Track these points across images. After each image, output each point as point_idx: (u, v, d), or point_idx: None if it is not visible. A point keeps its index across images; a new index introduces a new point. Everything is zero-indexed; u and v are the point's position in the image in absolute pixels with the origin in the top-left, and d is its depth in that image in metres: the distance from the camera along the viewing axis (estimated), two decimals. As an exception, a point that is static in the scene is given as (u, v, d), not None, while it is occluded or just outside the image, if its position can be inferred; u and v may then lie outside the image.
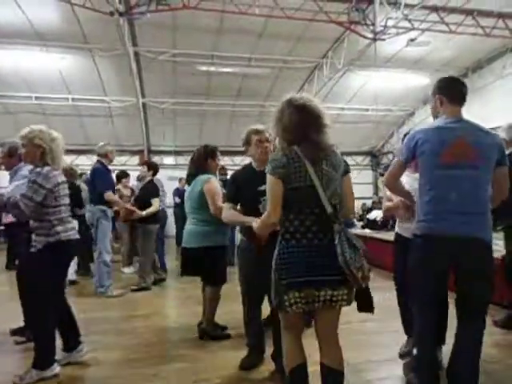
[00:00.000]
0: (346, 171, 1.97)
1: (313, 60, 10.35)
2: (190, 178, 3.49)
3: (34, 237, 2.76)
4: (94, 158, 5.32)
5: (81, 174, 7.37)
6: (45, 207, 2.68)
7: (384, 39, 8.12)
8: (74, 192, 5.23)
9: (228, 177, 6.80)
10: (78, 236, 2.93)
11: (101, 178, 4.95)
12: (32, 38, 8.59)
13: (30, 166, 3.05)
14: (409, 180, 2.59)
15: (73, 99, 10.57)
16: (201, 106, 11.30)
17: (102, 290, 4.96)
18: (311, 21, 8.08)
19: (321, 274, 1.80)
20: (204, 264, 3.30)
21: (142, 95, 10.73)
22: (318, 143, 1.87)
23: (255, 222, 2.07)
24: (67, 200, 2.86)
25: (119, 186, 6.81)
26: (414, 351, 2.27)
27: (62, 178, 2.82)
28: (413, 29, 8.28)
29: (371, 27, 7.95)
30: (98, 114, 11.29)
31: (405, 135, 2.58)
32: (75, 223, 3.41)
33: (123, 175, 7.11)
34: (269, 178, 1.86)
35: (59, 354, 2.91)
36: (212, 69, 9.97)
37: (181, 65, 9.82)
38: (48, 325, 2.74)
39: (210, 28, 8.60)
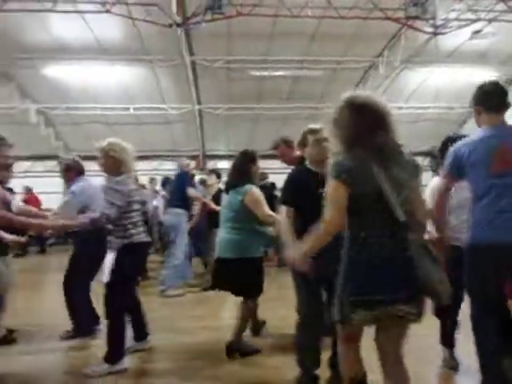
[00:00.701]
0: (417, 173, 1.80)
1: (367, 59, 10.08)
2: (230, 187, 3.29)
3: (110, 239, 3.04)
4: (154, 164, 5.72)
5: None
6: (121, 212, 2.92)
7: (445, 33, 7.71)
8: None
9: (266, 182, 7.00)
10: (148, 239, 3.22)
11: (182, 182, 5.47)
12: (98, 52, 9.25)
13: (81, 183, 3.63)
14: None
15: (134, 108, 11.19)
16: (253, 110, 11.45)
17: (164, 287, 5.21)
18: (366, 19, 7.89)
19: (394, 291, 1.61)
20: (238, 276, 3.07)
21: (198, 102, 11.11)
22: (385, 144, 1.71)
23: (295, 255, 1.88)
24: (138, 205, 3.13)
25: (165, 192, 7.18)
26: (478, 364, 2.14)
27: (134, 186, 3.10)
28: (478, 20, 7.78)
29: (431, 21, 7.59)
30: (157, 121, 11.86)
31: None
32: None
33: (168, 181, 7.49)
34: (333, 183, 1.68)
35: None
36: (265, 73, 10.08)
37: (234, 71, 10.04)
38: (122, 322, 2.95)
39: (263, 33, 8.71)
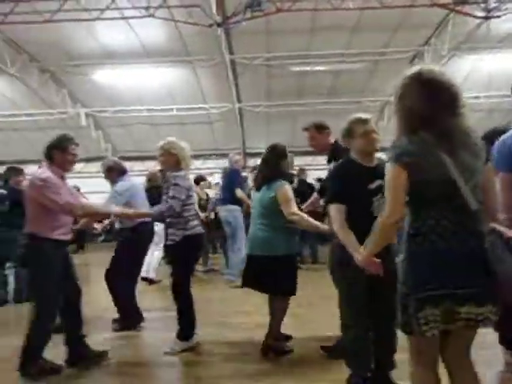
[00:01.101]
0: (487, 159, 1.60)
1: (412, 49, 9.69)
2: (261, 183, 3.23)
3: (170, 231, 3.23)
4: (197, 163, 5.90)
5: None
6: (182, 205, 3.15)
7: (499, 16, 7.23)
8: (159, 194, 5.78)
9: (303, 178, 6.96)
10: (203, 230, 3.47)
11: (233, 180, 5.72)
12: (142, 56, 9.58)
13: (123, 182, 3.85)
14: None
15: (177, 109, 11.47)
16: (294, 106, 11.37)
17: (233, 278, 5.40)
18: (411, 7, 7.57)
19: (464, 286, 1.43)
20: (269, 274, 3.04)
21: (238, 100, 11.20)
22: (454, 128, 1.51)
23: (361, 256, 1.84)
24: (194, 200, 3.39)
25: (197, 189, 7.28)
26: None
27: (192, 181, 3.34)
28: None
29: (482, 5, 7.15)
30: (199, 120, 12.10)
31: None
32: None
33: (201, 179, 7.68)
34: (391, 167, 1.50)
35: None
36: (305, 69, 9.98)
37: (274, 68, 10.01)
38: (190, 301, 3.26)
39: (303, 28, 8.61)
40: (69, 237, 3.03)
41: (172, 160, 3.27)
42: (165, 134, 12.37)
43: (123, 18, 7.77)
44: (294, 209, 3.05)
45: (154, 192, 5.79)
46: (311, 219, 3.09)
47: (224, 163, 13.43)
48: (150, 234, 4.11)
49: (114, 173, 3.96)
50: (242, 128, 12.56)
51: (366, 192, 2.20)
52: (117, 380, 2.94)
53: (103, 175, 4.07)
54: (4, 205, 4.67)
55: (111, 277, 3.83)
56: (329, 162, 3.22)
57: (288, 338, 3.33)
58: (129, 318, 3.83)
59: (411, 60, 10.05)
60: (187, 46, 9.25)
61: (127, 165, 14.39)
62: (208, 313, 4.22)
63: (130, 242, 3.84)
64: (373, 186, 2.07)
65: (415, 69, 1.58)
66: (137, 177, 10.89)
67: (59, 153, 2.93)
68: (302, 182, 7.10)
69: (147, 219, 3.81)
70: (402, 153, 1.49)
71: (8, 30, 8.42)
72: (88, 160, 13.49)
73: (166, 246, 3.45)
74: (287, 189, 3.09)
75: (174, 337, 3.24)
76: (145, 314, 3.98)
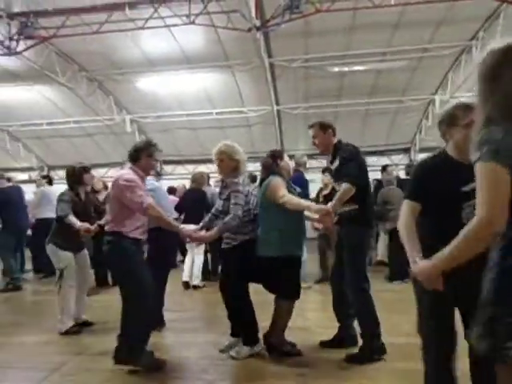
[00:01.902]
0: None
1: (458, 44, 9.26)
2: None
3: (227, 235, 3.26)
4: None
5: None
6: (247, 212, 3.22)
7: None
8: (200, 197, 5.86)
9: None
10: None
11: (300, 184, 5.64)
12: (182, 62, 9.83)
13: (148, 186, 3.61)
14: None
15: (216, 113, 11.66)
16: (333, 107, 11.22)
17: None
18: (456, 0, 7.26)
19: None
20: (268, 275, 3.08)
21: (277, 103, 11.21)
22: None
23: (419, 264, 1.57)
24: (250, 205, 3.34)
25: None
26: None
27: (249, 187, 3.35)
28: None
29: (537, -6, 6.71)
30: (237, 124, 12.24)
31: None
32: None
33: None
34: (486, 165, 1.22)
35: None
36: (344, 69, 9.82)
37: (313, 69, 9.93)
38: (251, 309, 3.25)
39: (342, 28, 8.49)
40: (145, 236, 3.17)
41: (232, 165, 3.25)
42: (204, 137, 12.72)
43: (165, 26, 8.01)
44: (282, 192, 3.04)
45: (198, 194, 5.85)
46: (301, 199, 3.11)
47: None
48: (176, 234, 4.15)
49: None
50: (280, 130, 12.55)
51: (457, 195, 1.82)
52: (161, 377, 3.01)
53: None
54: None
55: None
56: (331, 162, 3.24)
57: (293, 345, 3.28)
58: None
59: (458, 56, 9.63)
60: (226, 51, 9.40)
61: (168, 168, 14.99)
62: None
63: (156, 243, 3.75)
64: (466, 188, 1.74)
65: (509, 42, 1.28)
66: (177, 180, 11.28)
67: (146, 157, 3.09)
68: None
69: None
70: (498, 147, 1.21)
71: (59, 43, 8.94)
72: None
73: (221, 250, 3.41)
74: (275, 180, 3.13)
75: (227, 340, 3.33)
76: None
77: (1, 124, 12.79)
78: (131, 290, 2.95)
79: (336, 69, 9.84)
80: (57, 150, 14.04)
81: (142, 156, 3.09)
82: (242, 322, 3.28)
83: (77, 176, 4.10)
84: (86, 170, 4.13)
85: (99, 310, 4.58)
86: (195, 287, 5.79)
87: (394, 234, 5.66)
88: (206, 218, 3.49)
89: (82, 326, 4.03)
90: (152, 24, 7.85)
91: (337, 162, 3.12)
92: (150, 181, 3.98)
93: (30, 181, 13.36)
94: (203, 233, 3.31)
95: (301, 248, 3.27)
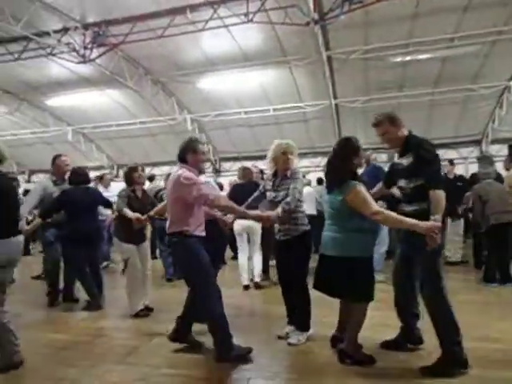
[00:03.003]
0: None
1: (539, 24, 8.43)
2: (331, 185, 3.05)
3: (285, 227, 3.39)
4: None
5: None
6: (299, 201, 3.39)
7: None
8: (249, 189, 5.86)
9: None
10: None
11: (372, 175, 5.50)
12: (241, 60, 10.01)
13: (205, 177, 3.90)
14: None
15: (273, 109, 11.72)
16: (395, 99, 10.76)
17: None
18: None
19: None
20: (342, 276, 2.90)
21: (334, 97, 11.00)
22: None
23: None
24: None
25: None
26: None
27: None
28: None
29: None
30: (295, 119, 12.19)
31: None
32: None
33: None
34: None
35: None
36: (407, 58, 9.37)
37: (373, 60, 9.60)
38: (308, 294, 3.43)
39: (405, 15, 8.11)
40: (204, 233, 3.25)
41: (293, 161, 3.44)
42: (261, 134, 12.86)
43: (224, 26, 8.20)
44: (375, 207, 2.80)
45: (249, 187, 5.78)
46: (398, 216, 2.79)
47: (320, 161, 13.39)
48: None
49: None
50: (339, 125, 12.30)
51: None
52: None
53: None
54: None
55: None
56: (401, 156, 2.99)
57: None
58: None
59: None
60: (283, 47, 9.41)
61: (227, 165, 15.39)
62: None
63: (206, 239, 3.70)
64: None
65: None
66: (235, 176, 11.51)
67: (191, 154, 3.19)
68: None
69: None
70: None
71: (127, 49, 9.54)
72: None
73: (280, 242, 3.46)
74: (360, 190, 2.85)
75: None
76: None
77: (77, 127, 13.93)
78: (200, 285, 3.10)
79: (398, 58, 9.43)
80: (124, 150, 14.99)
81: (188, 154, 3.18)
82: (303, 309, 3.41)
83: (127, 175, 4.48)
84: (133, 169, 4.47)
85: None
86: (257, 286, 5.51)
87: (493, 232, 5.26)
88: (242, 207, 3.41)
89: (148, 310, 4.35)
90: (212, 25, 8.08)
91: (410, 159, 2.87)
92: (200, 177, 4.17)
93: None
94: (270, 212, 3.28)
95: (371, 248, 3.06)
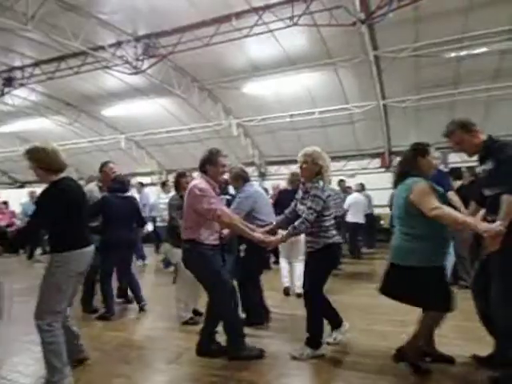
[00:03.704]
0: None
1: None
2: (396, 181, 3.02)
3: (310, 239, 3.34)
4: (338, 165, 5.70)
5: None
6: (321, 215, 3.26)
7: None
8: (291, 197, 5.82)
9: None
10: (341, 240, 3.44)
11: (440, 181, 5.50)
12: (286, 64, 10.01)
13: (249, 188, 4.09)
14: None
15: (319, 112, 11.59)
16: (448, 97, 10.23)
17: None
18: None
19: None
20: (409, 286, 2.80)
21: (382, 97, 10.68)
22: None
23: None
24: (331, 210, 3.39)
25: None
26: None
27: (330, 192, 3.36)
28: None
29: None
30: (340, 122, 11.97)
31: None
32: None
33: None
34: None
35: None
36: (461, 53, 8.88)
37: (424, 57, 9.20)
38: (321, 309, 3.35)
39: (457, 8, 7.71)
40: (218, 242, 3.38)
41: (313, 169, 3.32)
42: (306, 137, 12.78)
43: (269, 31, 8.25)
44: (434, 203, 2.66)
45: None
46: (458, 214, 2.69)
47: (367, 164, 13.05)
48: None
49: (240, 180, 4.27)
50: (387, 126, 11.91)
51: None
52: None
53: (230, 182, 4.42)
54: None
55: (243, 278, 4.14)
56: (481, 163, 2.79)
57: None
58: (258, 314, 4.08)
59: None
60: (329, 49, 9.29)
61: (272, 168, 15.38)
62: (356, 318, 4.13)
63: (250, 243, 3.78)
64: None
65: None
66: (281, 180, 11.54)
67: (211, 166, 3.31)
68: None
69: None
70: None
71: (175, 58, 9.88)
72: (238, 166, 14.76)
73: (306, 253, 3.51)
74: (421, 185, 2.78)
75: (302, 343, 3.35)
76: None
77: (129, 134, 14.64)
78: (213, 288, 3.26)
79: (452, 54, 8.95)
80: (173, 156, 15.51)
81: (207, 166, 3.30)
82: (313, 322, 3.30)
83: (176, 181, 4.61)
84: (181, 175, 4.59)
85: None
86: (299, 295, 5.44)
87: None
88: (279, 218, 3.57)
89: (196, 316, 4.41)
90: (256, 30, 8.17)
91: (489, 165, 2.70)
92: (253, 187, 4.19)
93: (152, 184, 15.05)
94: (273, 238, 3.37)
95: (445, 256, 2.92)
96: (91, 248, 2.99)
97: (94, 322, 4.50)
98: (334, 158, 13.38)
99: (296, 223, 3.19)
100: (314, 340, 3.28)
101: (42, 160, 2.78)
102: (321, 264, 3.31)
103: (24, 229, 2.84)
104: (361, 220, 9.17)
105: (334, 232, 3.35)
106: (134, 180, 11.36)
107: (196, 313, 4.47)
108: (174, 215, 4.40)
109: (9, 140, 16.28)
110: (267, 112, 12.08)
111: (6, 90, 11.18)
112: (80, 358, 3.23)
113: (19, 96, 12.74)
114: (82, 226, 2.99)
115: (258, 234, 3.33)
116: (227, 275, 3.33)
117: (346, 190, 9.93)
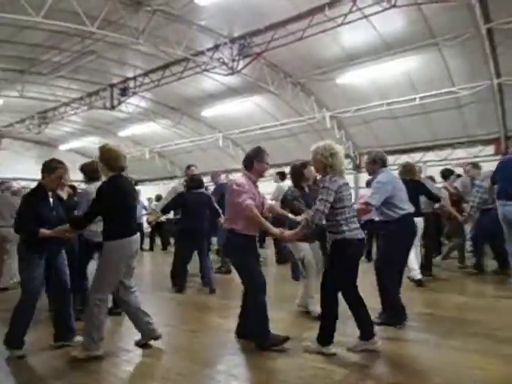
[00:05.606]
0: None
1: None
2: None
3: (330, 230, 3.25)
4: (442, 153, 5.23)
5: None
6: (332, 208, 3.13)
7: None
8: (414, 188, 5.43)
9: None
10: (362, 236, 3.24)
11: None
12: (382, 50, 9.51)
13: (387, 173, 3.97)
14: None
15: (420, 98, 10.77)
16: None
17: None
18: None
19: None
20: None
21: (497, 75, 9.49)
22: None
23: None
24: (350, 202, 3.23)
25: (445, 184, 6.80)
26: None
27: (344, 181, 3.21)
28: None
29: None
30: (445, 107, 10.96)
31: None
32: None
33: (449, 173, 7.00)
34: None
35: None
36: None
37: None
38: (334, 312, 3.22)
39: None
40: (256, 232, 3.58)
41: (319, 165, 3.26)
42: (407, 125, 12.00)
43: (365, 16, 7.93)
44: None
45: (414, 185, 5.21)
46: None
47: (478, 152, 11.71)
48: (413, 226, 4.05)
49: (377, 164, 4.03)
50: (503, 108, 10.55)
51: None
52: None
53: (366, 166, 4.19)
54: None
55: (380, 268, 3.93)
56: None
57: None
58: (395, 313, 3.84)
59: None
60: (431, 27, 8.57)
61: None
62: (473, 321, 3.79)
63: (393, 235, 3.86)
64: None
65: None
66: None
67: (258, 163, 3.53)
68: None
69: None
70: None
71: (268, 55, 10.08)
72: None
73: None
74: None
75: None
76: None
77: (226, 133, 15.39)
78: (245, 278, 3.44)
79: None
80: (267, 151, 15.83)
81: (254, 162, 3.52)
82: (324, 319, 3.25)
83: (297, 172, 4.37)
84: (304, 165, 4.34)
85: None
86: (418, 283, 5.57)
87: None
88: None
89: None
90: (351, 18, 7.91)
91: None
92: (383, 173, 3.95)
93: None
94: (289, 232, 3.42)
95: None
96: (137, 236, 3.39)
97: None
98: (436, 147, 12.49)
99: (309, 215, 3.18)
100: (322, 336, 3.24)
101: (103, 157, 3.31)
102: (333, 263, 3.24)
103: (85, 213, 3.37)
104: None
105: (348, 227, 3.14)
106: (231, 176, 11.89)
107: None
108: (301, 206, 4.12)
109: (125, 143, 18.41)
110: (363, 102, 11.62)
111: (122, 98, 12.63)
112: (154, 335, 3.53)
113: (132, 103, 14.30)
114: (130, 217, 3.38)
115: (275, 229, 3.46)
116: (259, 270, 3.48)
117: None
